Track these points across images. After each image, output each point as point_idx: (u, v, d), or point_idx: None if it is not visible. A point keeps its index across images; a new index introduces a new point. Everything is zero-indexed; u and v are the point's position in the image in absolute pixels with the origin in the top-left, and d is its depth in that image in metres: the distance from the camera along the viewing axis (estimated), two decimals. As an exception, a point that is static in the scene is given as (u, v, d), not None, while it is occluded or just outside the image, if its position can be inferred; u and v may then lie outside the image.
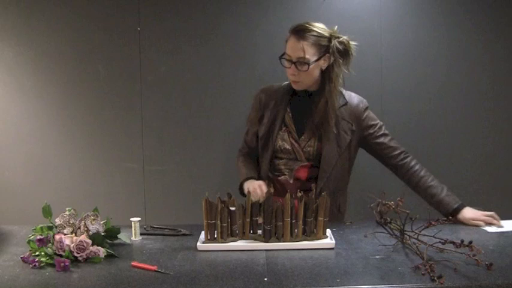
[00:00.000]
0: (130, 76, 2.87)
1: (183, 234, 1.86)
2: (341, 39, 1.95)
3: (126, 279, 1.42)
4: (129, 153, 2.91)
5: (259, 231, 1.75)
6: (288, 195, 1.70)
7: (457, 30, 2.88)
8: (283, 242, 1.70)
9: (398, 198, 1.68)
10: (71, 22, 2.81)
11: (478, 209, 1.95)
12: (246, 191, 1.97)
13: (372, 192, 1.81)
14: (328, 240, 1.71)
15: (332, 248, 1.67)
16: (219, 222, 1.70)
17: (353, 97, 2.08)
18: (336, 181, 2.05)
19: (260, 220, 1.73)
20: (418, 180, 2.02)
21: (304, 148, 2.02)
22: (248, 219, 1.74)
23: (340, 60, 1.95)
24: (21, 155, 2.90)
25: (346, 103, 2.05)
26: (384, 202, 1.71)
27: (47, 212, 1.71)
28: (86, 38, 2.83)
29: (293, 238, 1.72)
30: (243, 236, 1.75)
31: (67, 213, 1.69)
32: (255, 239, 1.74)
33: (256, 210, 1.75)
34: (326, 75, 1.99)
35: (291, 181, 2.03)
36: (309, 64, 1.91)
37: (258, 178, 2.08)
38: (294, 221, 1.72)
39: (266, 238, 1.71)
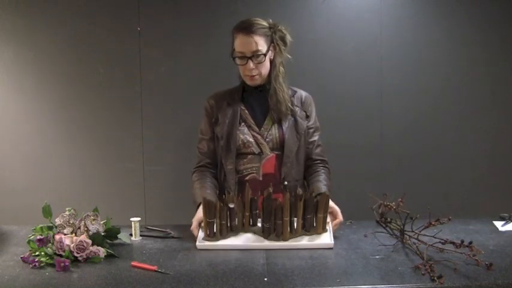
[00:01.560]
0: (130, 76, 2.86)
1: (172, 237, 1.85)
2: (279, 27, 2.02)
3: (126, 279, 1.42)
4: (129, 153, 2.91)
5: (259, 224, 1.76)
6: (287, 195, 1.70)
7: (457, 30, 2.88)
8: (283, 239, 1.71)
9: (399, 199, 1.68)
10: (71, 22, 2.81)
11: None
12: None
13: (371, 192, 1.80)
14: (328, 240, 1.71)
15: (331, 248, 1.67)
16: (218, 220, 1.70)
17: (300, 90, 2.16)
18: (298, 168, 2.08)
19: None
20: (310, 177, 2.08)
21: (266, 138, 2.03)
22: (248, 213, 1.76)
23: (283, 48, 2.03)
24: (21, 155, 2.90)
25: (296, 92, 2.13)
26: (385, 203, 1.71)
27: (47, 212, 1.71)
28: (86, 38, 2.82)
29: (292, 234, 1.72)
30: (242, 228, 1.75)
31: (67, 213, 1.69)
32: (255, 232, 1.74)
33: (255, 204, 1.76)
34: (271, 64, 2.05)
35: (260, 178, 2.03)
36: (264, 55, 1.97)
37: (220, 191, 2.03)
38: (293, 218, 1.72)
39: (265, 235, 1.72)
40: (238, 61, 1.99)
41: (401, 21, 2.87)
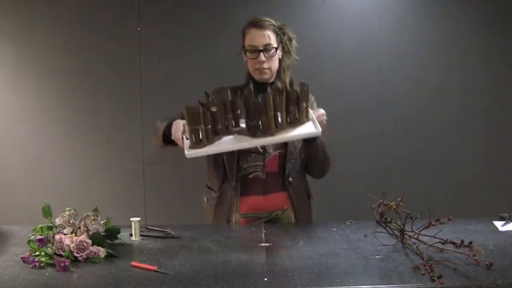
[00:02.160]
0: (130, 77, 2.87)
1: (172, 237, 1.84)
2: (287, 30, 2.05)
3: (126, 279, 1.42)
4: (129, 153, 2.91)
5: (242, 125, 1.76)
6: (269, 89, 1.73)
7: (457, 30, 2.88)
8: (270, 134, 1.71)
9: (399, 199, 1.68)
10: (71, 22, 2.81)
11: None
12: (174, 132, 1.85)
13: (371, 192, 1.80)
14: (313, 129, 1.72)
15: (317, 135, 1.71)
16: (202, 126, 1.70)
17: None
18: (302, 164, 2.11)
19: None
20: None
21: None
22: (230, 115, 1.74)
23: (291, 49, 2.06)
24: (21, 155, 2.90)
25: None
26: (385, 202, 1.71)
27: (47, 212, 1.71)
28: (86, 38, 2.83)
29: (278, 129, 1.73)
30: (226, 132, 1.75)
31: (67, 213, 1.69)
32: (240, 133, 1.74)
33: (236, 104, 1.76)
34: (279, 65, 2.07)
35: (263, 177, 2.03)
36: (276, 48, 2.00)
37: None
38: (278, 112, 1.72)
39: (252, 133, 1.72)
40: (249, 55, 2.01)
41: (401, 20, 2.87)
